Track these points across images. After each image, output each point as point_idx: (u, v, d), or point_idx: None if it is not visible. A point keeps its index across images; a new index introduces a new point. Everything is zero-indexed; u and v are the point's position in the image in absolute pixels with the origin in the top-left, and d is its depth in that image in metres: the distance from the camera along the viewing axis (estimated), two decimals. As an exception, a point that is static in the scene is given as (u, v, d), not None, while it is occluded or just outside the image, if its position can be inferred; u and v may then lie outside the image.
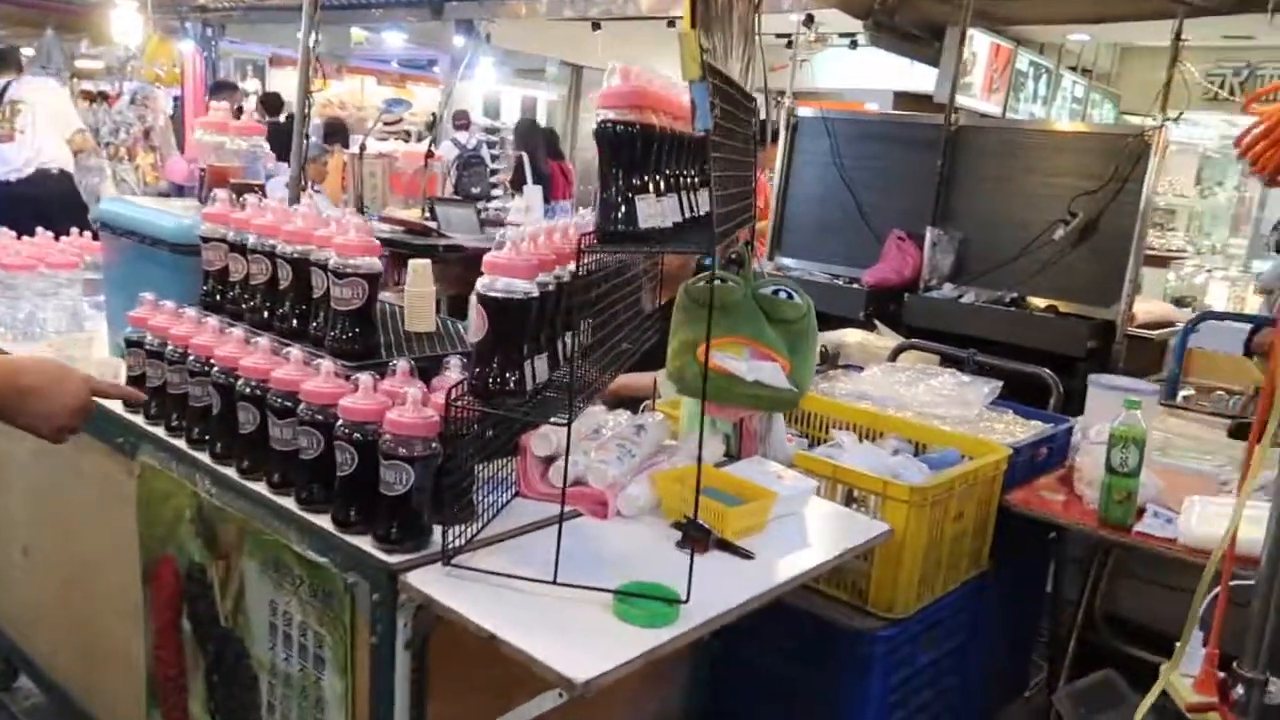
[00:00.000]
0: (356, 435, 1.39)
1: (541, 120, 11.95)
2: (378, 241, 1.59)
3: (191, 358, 1.70)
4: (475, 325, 1.39)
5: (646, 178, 1.31)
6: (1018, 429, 2.48)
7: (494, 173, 8.26)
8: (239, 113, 2.96)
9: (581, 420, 1.71)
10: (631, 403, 2.02)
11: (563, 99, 12.05)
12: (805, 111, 5.35)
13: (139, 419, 1.83)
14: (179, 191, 5.48)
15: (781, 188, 5.08)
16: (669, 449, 1.80)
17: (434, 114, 9.04)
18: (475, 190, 7.68)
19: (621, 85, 1.30)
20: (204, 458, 1.68)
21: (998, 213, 4.43)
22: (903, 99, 9.99)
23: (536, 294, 1.37)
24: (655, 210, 1.30)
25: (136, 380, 1.84)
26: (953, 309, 4.32)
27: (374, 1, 11.49)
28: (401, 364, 1.47)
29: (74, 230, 2.73)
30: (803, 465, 1.97)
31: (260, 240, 1.74)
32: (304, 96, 3.21)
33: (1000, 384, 2.61)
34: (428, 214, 6.45)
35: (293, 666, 1.53)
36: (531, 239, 1.45)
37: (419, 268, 1.89)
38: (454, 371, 1.51)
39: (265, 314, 1.75)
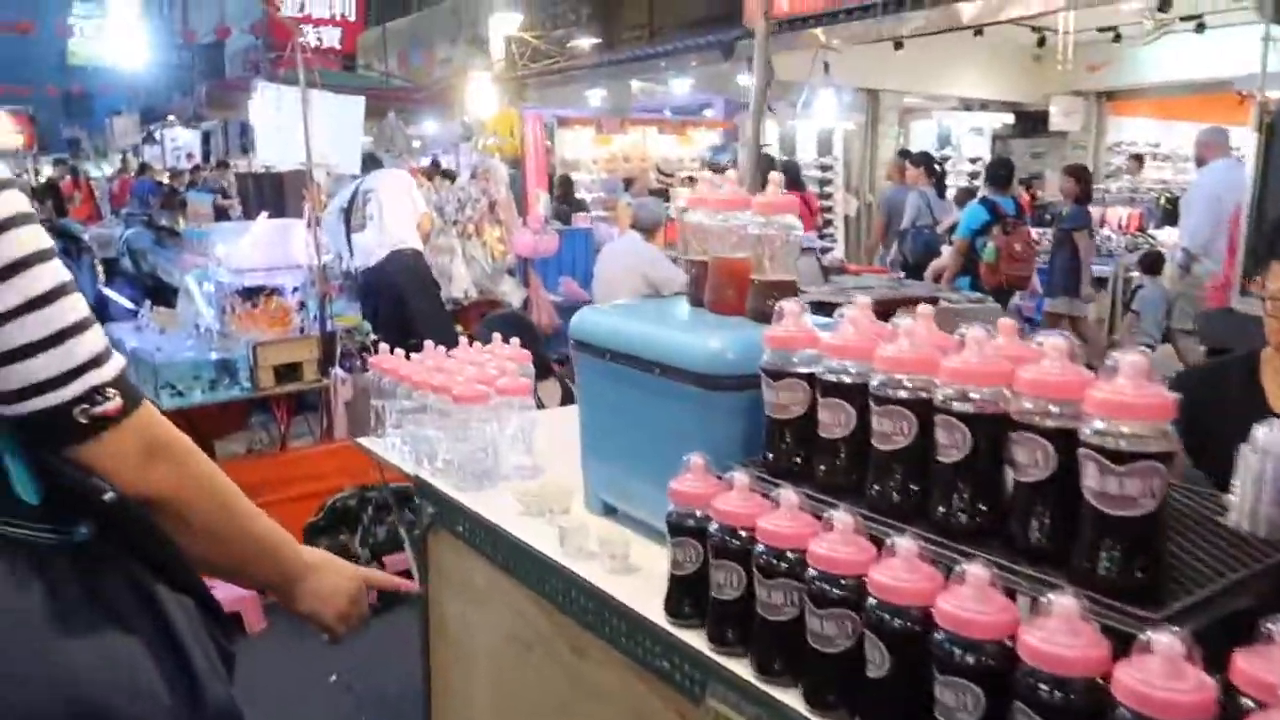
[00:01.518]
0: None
1: (838, 151, 11.26)
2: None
3: (811, 571, 1.09)
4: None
5: None
6: None
7: (827, 210, 7.61)
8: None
9: None
10: None
11: (859, 127, 11.28)
12: None
13: (701, 643, 1.26)
14: (524, 266, 5.27)
15: (1257, 196, 4.02)
16: None
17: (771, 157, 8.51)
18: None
19: None
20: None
21: None
22: None
23: None
24: None
25: (689, 580, 1.28)
26: None
27: (662, 51, 11.41)
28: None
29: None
30: None
31: (897, 380, 1.12)
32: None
33: None
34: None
35: None
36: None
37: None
38: None
39: (899, 495, 1.13)
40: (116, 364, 0.95)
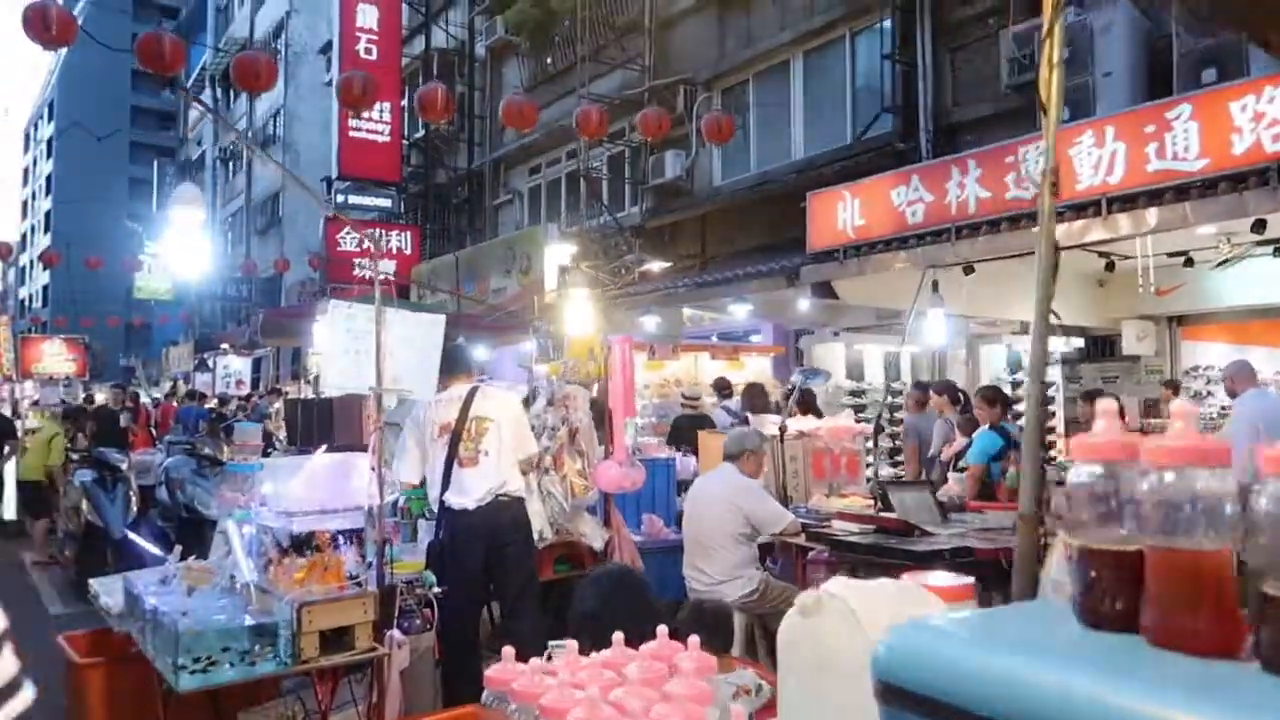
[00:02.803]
0: None
1: (906, 376, 10.86)
2: None
3: None
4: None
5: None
6: None
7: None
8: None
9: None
10: None
11: (927, 351, 10.91)
12: None
13: None
14: (604, 503, 4.67)
15: None
16: None
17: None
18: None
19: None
20: None
21: None
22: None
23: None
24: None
25: None
26: None
27: (721, 277, 11.33)
28: None
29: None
30: None
31: None
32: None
33: None
34: (871, 500, 5.25)
35: None
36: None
37: None
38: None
39: None
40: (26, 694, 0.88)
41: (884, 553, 3.95)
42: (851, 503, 5.12)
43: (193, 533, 7.52)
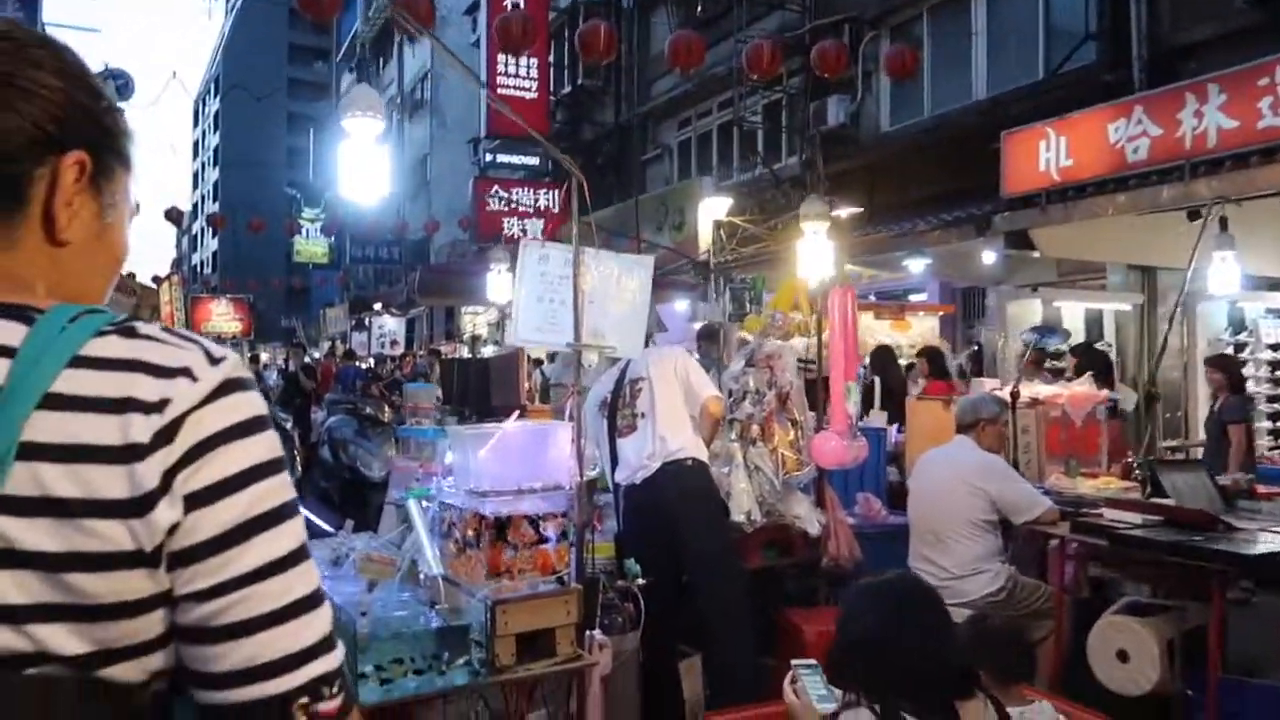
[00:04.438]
0: None
1: (1110, 336, 9.72)
2: None
3: None
4: None
5: None
6: None
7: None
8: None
9: None
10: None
11: (1136, 309, 9.70)
12: None
13: None
14: (818, 481, 4.00)
15: None
16: None
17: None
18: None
19: None
20: None
21: None
22: None
23: None
24: None
25: None
26: None
27: (898, 229, 10.42)
28: None
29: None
30: None
31: None
32: None
33: None
34: (1138, 481, 4.42)
35: None
36: None
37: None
38: None
39: None
40: (340, 651, 0.80)
41: (1190, 553, 3.16)
42: (1104, 484, 4.30)
43: (355, 495, 7.35)
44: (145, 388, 0.73)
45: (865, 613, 2.02)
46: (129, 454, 0.72)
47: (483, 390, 8.92)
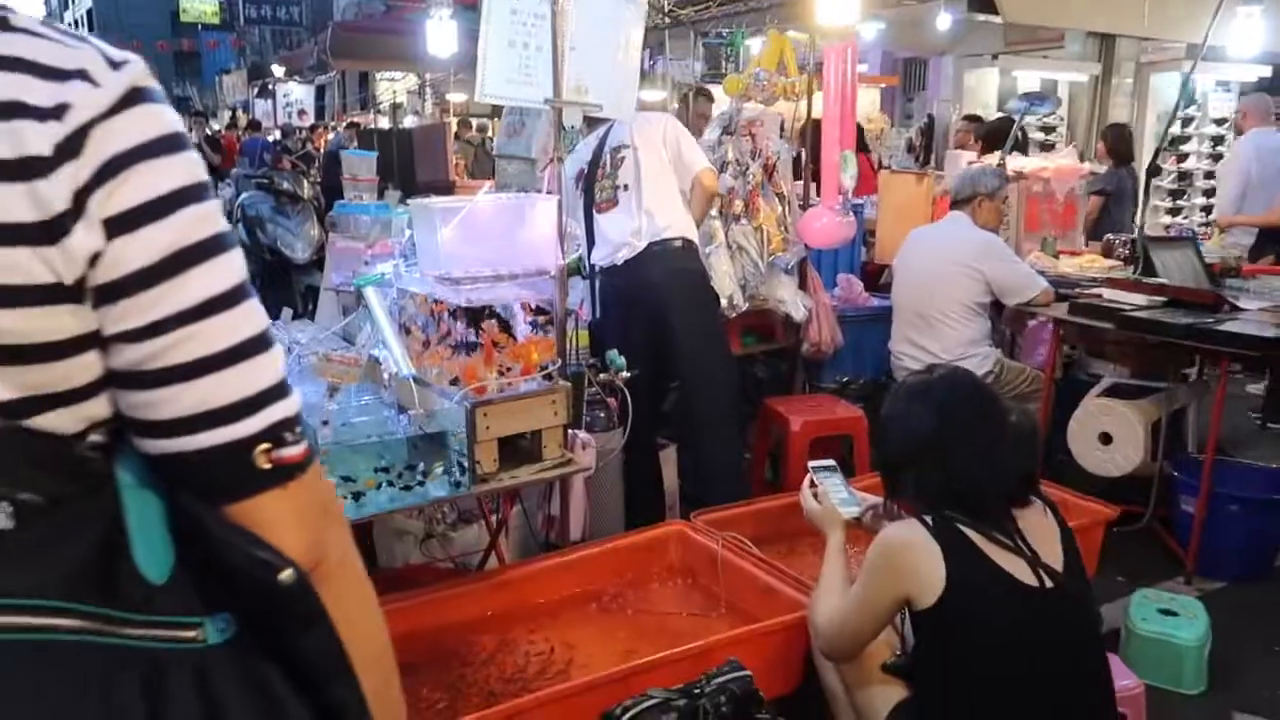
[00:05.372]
0: None
1: (1062, 110, 9.40)
2: None
3: None
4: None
5: None
6: None
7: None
8: None
9: None
10: None
11: (1091, 80, 9.36)
12: None
13: None
14: (804, 262, 3.67)
15: None
16: None
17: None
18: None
19: None
20: None
21: None
22: None
23: None
24: None
25: None
26: None
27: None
28: None
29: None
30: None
31: None
32: None
33: None
34: (1121, 260, 4.24)
35: None
36: None
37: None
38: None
39: None
40: (297, 396, 0.72)
41: (1204, 337, 3.00)
42: (1088, 263, 4.12)
43: (278, 278, 6.83)
44: (34, 91, 0.62)
45: (920, 416, 1.76)
46: (25, 169, 0.61)
47: (407, 165, 8.24)
